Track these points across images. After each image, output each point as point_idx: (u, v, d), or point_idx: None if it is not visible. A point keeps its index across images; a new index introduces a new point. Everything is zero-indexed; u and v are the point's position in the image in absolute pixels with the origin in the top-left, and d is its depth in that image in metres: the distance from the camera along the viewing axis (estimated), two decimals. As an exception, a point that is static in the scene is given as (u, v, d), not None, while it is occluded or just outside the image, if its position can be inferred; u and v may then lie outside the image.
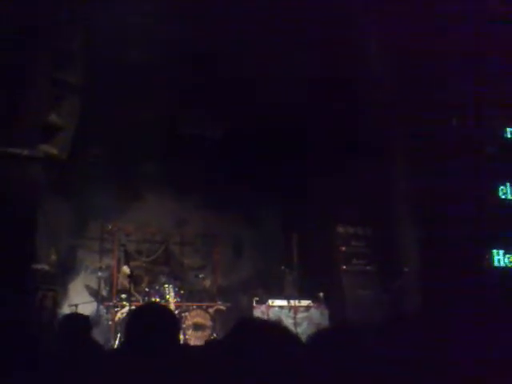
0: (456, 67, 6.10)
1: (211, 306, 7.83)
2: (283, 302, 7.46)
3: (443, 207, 6.12)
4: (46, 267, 5.48)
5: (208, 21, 6.00)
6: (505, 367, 2.22)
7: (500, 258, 6.26)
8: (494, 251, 6.25)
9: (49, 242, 6.62)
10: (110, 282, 7.77)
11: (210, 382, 1.57)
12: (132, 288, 7.11)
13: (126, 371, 2.02)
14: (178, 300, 7.56)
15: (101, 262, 7.97)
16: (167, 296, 7.45)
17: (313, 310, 7.45)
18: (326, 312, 7.49)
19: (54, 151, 5.11)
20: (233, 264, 9.04)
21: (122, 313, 7.16)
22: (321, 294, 7.60)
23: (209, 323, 7.44)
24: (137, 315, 2.44)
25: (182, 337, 6.93)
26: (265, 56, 6.40)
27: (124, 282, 7.52)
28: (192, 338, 7.18)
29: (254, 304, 7.42)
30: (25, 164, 4.69)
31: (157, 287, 7.60)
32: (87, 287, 7.92)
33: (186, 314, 7.44)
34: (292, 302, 7.43)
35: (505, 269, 6.21)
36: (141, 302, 7.16)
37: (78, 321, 3.03)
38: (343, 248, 7.98)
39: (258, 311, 7.30)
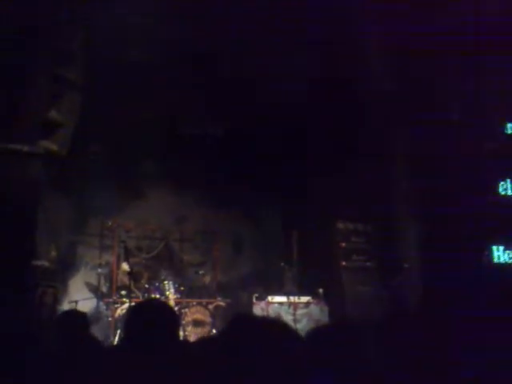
0: (456, 64, 6.09)
1: (211, 303, 7.84)
2: (283, 299, 7.46)
3: (443, 203, 6.12)
4: (46, 263, 5.48)
5: (208, 20, 5.99)
6: (505, 365, 2.22)
7: (500, 255, 6.26)
8: (494, 247, 6.25)
9: (49, 238, 6.62)
10: (109, 278, 7.78)
11: (209, 378, 1.57)
12: (132, 284, 7.12)
13: (125, 367, 2.02)
14: (178, 296, 7.57)
15: (101, 259, 7.97)
16: (167, 292, 7.46)
17: (312, 307, 7.45)
18: (326, 308, 7.49)
19: (54, 147, 5.10)
20: (232, 260, 9.05)
21: (121, 309, 7.17)
22: (320, 291, 7.61)
23: (208, 320, 7.45)
24: (136, 311, 2.44)
25: (181, 333, 6.94)
26: (265, 55, 6.40)
27: (124, 278, 7.53)
28: (192, 334, 7.19)
29: (254, 300, 7.43)
30: (25, 160, 4.69)
31: (156, 284, 7.60)
32: (87, 284, 7.93)
33: (186, 310, 7.45)
34: (291, 299, 7.43)
35: (505, 265, 6.21)
36: (141, 299, 7.16)
37: (76, 317, 3.03)
38: (343, 244, 7.97)
39: (258, 308, 7.31)
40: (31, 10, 4.76)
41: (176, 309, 7.08)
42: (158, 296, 7.33)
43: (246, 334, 1.60)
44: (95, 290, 7.70)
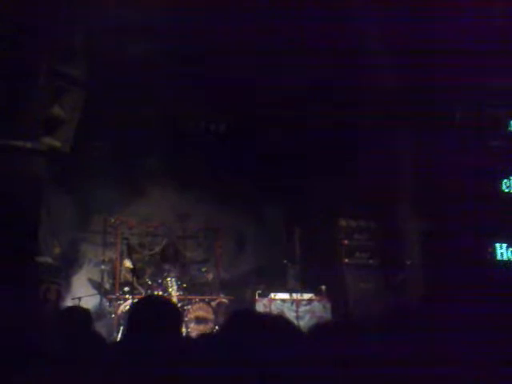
0: (457, 62, 6.07)
1: (214, 300, 7.85)
2: (285, 296, 7.47)
3: (446, 201, 6.11)
4: (50, 260, 5.51)
5: (210, 18, 5.98)
6: (505, 362, 2.21)
7: (503, 252, 6.25)
8: (497, 244, 6.24)
9: (52, 235, 6.65)
10: (112, 275, 7.80)
11: (211, 374, 1.58)
12: (135, 281, 7.14)
13: (127, 363, 2.03)
14: (181, 293, 7.58)
15: (104, 256, 7.99)
16: (170, 289, 7.48)
17: (315, 304, 7.46)
18: (329, 305, 7.50)
19: (56, 144, 5.11)
20: (235, 258, 9.06)
21: (124, 306, 7.19)
22: (323, 288, 7.61)
23: (211, 316, 7.46)
24: (139, 308, 2.44)
25: (184, 330, 6.95)
26: (266, 54, 6.39)
27: (127, 275, 7.54)
28: (194, 331, 7.20)
29: (257, 297, 7.44)
30: (28, 156, 4.69)
31: (159, 280, 7.62)
32: (90, 280, 7.96)
33: (189, 307, 7.46)
34: (294, 296, 7.44)
35: (508, 262, 6.20)
36: (143, 295, 7.18)
37: (79, 314, 3.03)
38: (346, 241, 7.97)
39: (261, 304, 7.32)
40: (33, 8, 4.76)
41: (179, 305, 7.09)
42: (160, 293, 7.35)
43: (245, 329, 1.61)
44: (98, 287, 7.72)
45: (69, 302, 6.75)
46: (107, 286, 7.73)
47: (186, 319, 7.24)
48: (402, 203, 7.10)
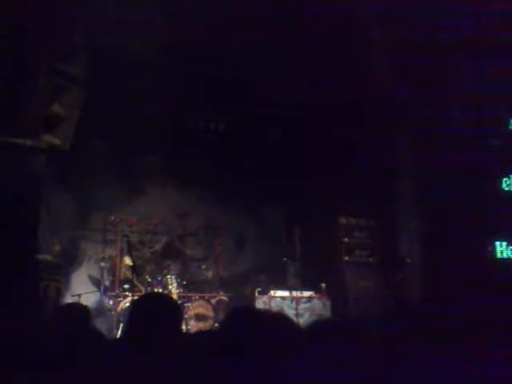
0: (458, 60, 6.06)
1: (213, 297, 7.86)
2: (285, 293, 7.48)
3: (446, 199, 6.11)
4: (49, 257, 5.51)
5: (211, 18, 5.98)
6: (506, 361, 2.22)
7: (503, 250, 6.26)
8: (497, 243, 6.25)
9: (52, 232, 6.65)
10: (112, 272, 7.81)
11: (209, 370, 1.58)
12: (134, 278, 7.14)
13: (127, 360, 2.03)
14: (181, 291, 7.60)
15: (104, 253, 8.00)
16: (169, 286, 7.49)
17: (315, 301, 7.47)
18: (328, 303, 7.50)
19: (56, 142, 5.10)
20: (235, 255, 9.07)
21: (124, 303, 7.20)
22: (323, 285, 7.62)
23: (211, 314, 7.47)
24: (139, 304, 2.45)
25: (183, 327, 6.96)
26: (267, 54, 6.39)
27: (126, 272, 7.55)
28: (194, 328, 7.21)
29: (256, 295, 7.44)
30: (27, 154, 4.69)
31: (159, 278, 7.63)
32: (90, 277, 7.96)
33: (188, 304, 7.47)
34: (294, 293, 7.45)
35: (508, 260, 6.21)
36: (143, 293, 7.19)
37: (78, 311, 3.04)
38: (346, 239, 7.98)
39: (260, 302, 7.33)
40: (33, 7, 4.75)
41: (179, 303, 7.09)
42: (160, 290, 7.36)
43: (245, 326, 1.61)
44: (98, 284, 7.73)
45: (69, 299, 6.75)
46: (107, 283, 7.73)
47: (186, 316, 7.26)
48: (402, 201, 7.11)
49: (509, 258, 6.23)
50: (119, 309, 7.19)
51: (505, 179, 6.39)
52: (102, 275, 7.73)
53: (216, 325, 7.38)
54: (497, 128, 6.54)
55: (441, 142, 6.21)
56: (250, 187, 8.44)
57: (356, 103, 6.92)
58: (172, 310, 2.34)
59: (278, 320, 1.67)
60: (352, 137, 7.41)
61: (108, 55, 6.04)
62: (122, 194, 8.25)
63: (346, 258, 7.91)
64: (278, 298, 7.39)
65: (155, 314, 2.25)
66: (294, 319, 6.69)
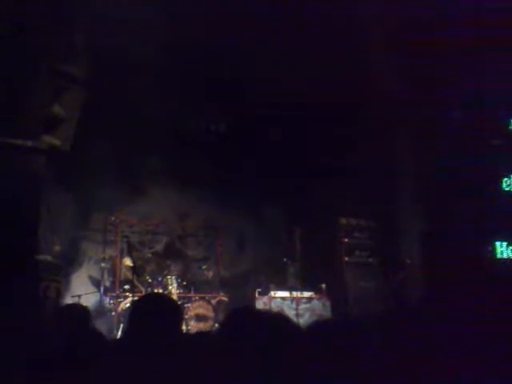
0: (458, 60, 6.07)
1: (213, 297, 7.86)
2: (285, 294, 7.47)
3: (446, 199, 6.11)
4: (50, 258, 5.51)
5: (211, 18, 5.98)
6: (505, 361, 2.22)
7: (503, 250, 6.26)
8: (498, 243, 6.25)
9: (52, 233, 6.65)
10: (113, 272, 7.81)
11: (209, 371, 1.58)
12: (135, 279, 7.14)
13: (127, 361, 2.03)
14: (181, 291, 7.59)
15: (104, 253, 7.99)
16: (170, 287, 7.48)
17: (315, 302, 7.47)
18: (328, 303, 7.50)
19: (57, 142, 5.10)
20: (235, 256, 9.07)
21: (125, 303, 7.19)
22: (323, 286, 7.62)
23: (211, 314, 7.46)
24: (139, 305, 2.45)
25: (184, 328, 6.96)
26: (267, 54, 6.39)
27: (127, 273, 7.55)
28: (194, 329, 7.21)
29: (257, 295, 7.44)
30: (28, 155, 4.69)
31: (159, 278, 7.62)
32: (90, 278, 7.96)
33: (189, 305, 7.46)
34: (294, 294, 7.45)
35: (508, 260, 6.21)
36: (144, 293, 7.19)
37: (78, 311, 3.04)
38: (346, 240, 7.98)
39: (260, 302, 7.32)
40: (33, 7, 4.75)
41: (179, 303, 7.09)
42: (160, 290, 7.36)
43: (244, 326, 1.61)
44: (98, 285, 7.73)
45: (69, 300, 6.75)
46: (107, 283, 7.73)
47: (186, 317, 7.25)
48: (402, 202, 7.11)
49: (509, 258, 6.23)
50: (119, 309, 7.18)
51: (505, 179, 6.39)
52: (102, 276, 7.73)
53: (216, 325, 7.37)
54: (497, 128, 6.54)
55: (441, 142, 6.21)
56: (250, 187, 8.45)
57: (356, 103, 6.92)
58: (172, 311, 2.34)
59: (278, 320, 1.67)
60: (352, 137, 7.41)
61: (108, 55, 6.05)
62: (122, 195, 8.24)
63: (346, 259, 7.91)
64: (279, 299, 7.39)
65: (155, 314, 2.25)
66: (295, 320, 6.68)
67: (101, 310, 7.38)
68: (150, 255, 8.12)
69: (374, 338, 2.11)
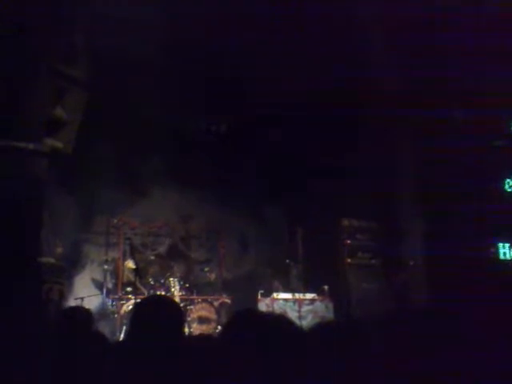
0: (459, 60, 6.06)
1: (216, 299, 7.86)
2: (288, 295, 7.47)
3: (448, 201, 6.10)
4: (52, 260, 5.51)
5: (211, 18, 5.99)
6: (506, 361, 2.21)
7: (506, 251, 6.25)
8: (500, 244, 6.23)
9: (55, 235, 6.65)
10: (115, 275, 7.82)
11: (211, 374, 1.58)
12: (137, 281, 7.15)
13: (129, 363, 2.03)
14: (183, 293, 7.59)
15: (106, 256, 8.00)
16: (172, 289, 7.48)
17: (317, 303, 7.46)
18: (331, 305, 7.49)
19: (58, 145, 5.12)
20: (238, 258, 9.07)
21: (127, 306, 7.20)
22: (325, 287, 7.61)
23: (214, 316, 7.46)
24: (142, 307, 2.45)
25: (186, 330, 6.96)
26: (267, 54, 6.40)
27: (129, 275, 7.56)
28: (197, 331, 7.21)
29: (259, 297, 7.44)
30: (30, 158, 4.70)
31: (162, 280, 7.63)
32: (93, 280, 7.97)
33: (191, 307, 7.46)
34: (297, 295, 7.44)
35: (511, 262, 6.19)
36: (146, 295, 7.18)
37: (81, 314, 3.04)
38: (348, 241, 7.97)
39: (263, 304, 7.32)
40: (33, 8, 4.77)
41: (181, 306, 7.09)
42: (163, 293, 7.35)
43: (248, 329, 1.61)
44: (101, 287, 7.74)
45: (71, 302, 6.76)
46: (110, 286, 7.73)
47: (189, 319, 7.25)
48: (404, 203, 7.10)
49: (512, 259, 6.22)
50: (122, 312, 7.19)
51: (507, 180, 6.38)
52: (104, 278, 7.74)
53: (219, 327, 7.37)
54: (499, 129, 6.53)
55: (441, 142, 6.20)
56: (251, 188, 8.45)
57: (356, 103, 6.92)
58: (175, 313, 2.34)
59: (280, 323, 1.67)
60: (352, 137, 7.40)
61: (108, 55, 6.06)
62: (124, 197, 8.26)
63: (349, 260, 7.90)
64: (281, 301, 7.38)
65: (158, 316, 2.25)
66: (297, 321, 6.68)
67: (103, 312, 7.38)
68: (152, 257, 8.13)
69: (376, 340, 2.11)
